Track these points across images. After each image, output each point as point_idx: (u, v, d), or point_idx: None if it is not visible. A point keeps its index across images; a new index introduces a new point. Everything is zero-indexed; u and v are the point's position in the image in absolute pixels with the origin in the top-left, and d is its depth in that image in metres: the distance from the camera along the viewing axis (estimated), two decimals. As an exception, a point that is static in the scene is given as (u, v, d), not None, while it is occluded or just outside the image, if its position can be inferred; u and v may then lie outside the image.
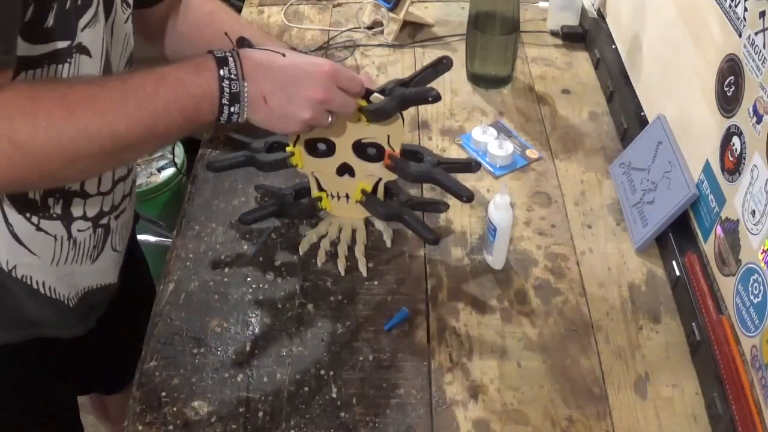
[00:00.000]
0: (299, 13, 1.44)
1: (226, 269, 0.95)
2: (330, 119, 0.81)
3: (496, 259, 0.93)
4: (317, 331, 0.88)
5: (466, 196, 0.90)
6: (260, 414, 0.80)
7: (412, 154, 0.93)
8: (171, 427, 0.79)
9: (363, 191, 0.95)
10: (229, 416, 0.79)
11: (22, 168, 0.67)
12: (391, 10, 1.33)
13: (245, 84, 0.75)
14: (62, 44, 0.71)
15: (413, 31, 1.38)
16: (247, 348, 0.86)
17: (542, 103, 1.22)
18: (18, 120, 0.65)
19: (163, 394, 0.81)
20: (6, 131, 0.65)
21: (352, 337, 0.87)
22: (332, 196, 0.98)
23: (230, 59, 0.75)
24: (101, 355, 1.11)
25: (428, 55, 1.32)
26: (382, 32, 1.37)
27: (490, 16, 1.20)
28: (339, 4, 1.46)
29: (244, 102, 0.75)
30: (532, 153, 1.11)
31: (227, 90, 0.74)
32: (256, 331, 0.88)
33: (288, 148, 0.94)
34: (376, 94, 0.86)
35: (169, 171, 2.02)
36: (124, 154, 0.75)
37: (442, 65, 0.86)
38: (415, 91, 0.85)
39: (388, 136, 0.89)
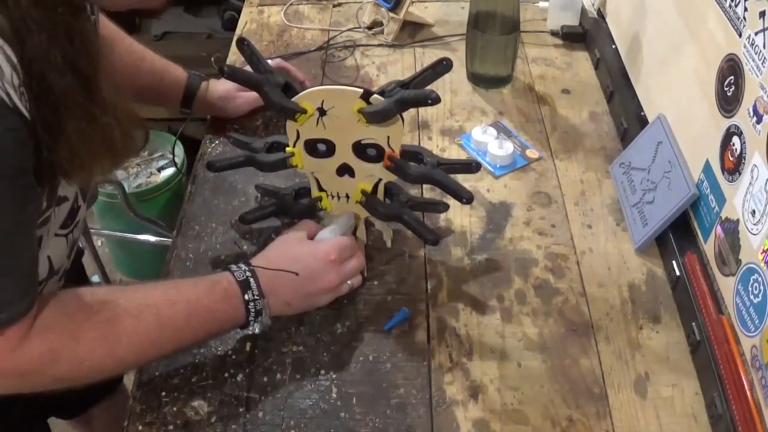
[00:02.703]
0: (299, 13, 1.44)
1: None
2: (348, 284, 0.89)
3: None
4: (317, 331, 0.88)
5: (466, 198, 0.90)
6: (260, 414, 0.80)
7: (412, 154, 0.93)
8: (171, 427, 0.79)
9: (363, 192, 0.95)
10: (229, 416, 0.79)
11: (50, 385, 0.72)
12: (391, 10, 1.33)
13: (266, 300, 0.82)
14: (49, 211, 0.74)
15: (413, 31, 1.38)
16: (247, 348, 0.86)
17: (542, 103, 1.22)
18: (63, 363, 0.70)
19: (163, 394, 0.81)
20: (51, 371, 0.70)
21: (352, 337, 0.87)
22: (332, 196, 0.98)
23: (251, 280, 0.81)
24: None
25: (428, 55, 1.32)
26: (382, 32, 1.37)
27: (490, 16, 1.20)
28: (339, 4, 1.46)
29: (266, 313, 0.83)
30: (532, 153, 1.11)
31: (252, 310, 0.81)
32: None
33: (288, 149, 0.94)
34: (375, 96, 0.86)
35: (169, 171, 2.02)
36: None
37: (441, 67, 0.86)
38: (414, 93, 0.85)
39: (388, 137, 0.89)
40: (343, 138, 0.90)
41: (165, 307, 0.76)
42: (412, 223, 0.94)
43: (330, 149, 0.92)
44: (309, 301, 0.87)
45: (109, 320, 0.73)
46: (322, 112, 0.88)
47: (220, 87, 1.13)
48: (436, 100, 0.83)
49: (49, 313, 0.70)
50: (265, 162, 0.96)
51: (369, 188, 0.95)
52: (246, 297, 0.80)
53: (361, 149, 0.91)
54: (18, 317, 0.66)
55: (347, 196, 0.97)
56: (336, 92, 0.87)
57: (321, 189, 0.97)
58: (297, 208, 0.99)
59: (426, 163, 0.92)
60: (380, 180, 0.94)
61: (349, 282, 0.89)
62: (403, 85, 0.87)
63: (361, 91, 0.86)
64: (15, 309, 0.66)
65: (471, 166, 0.95)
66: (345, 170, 0.94)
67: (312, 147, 0.93)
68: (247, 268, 0.83)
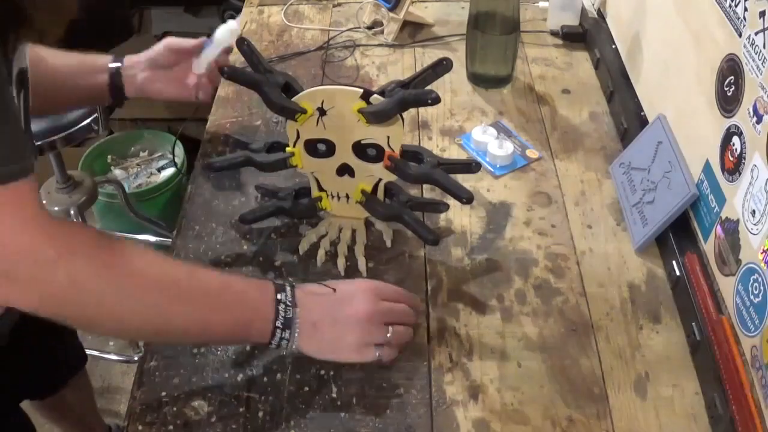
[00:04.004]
0: (299, 13, 1.45)
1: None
2: (389, 335, 0.80)
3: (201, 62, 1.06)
4: (317, 331, 0.88)
5: (466, 198, 0.90)
6: (260, 414, 0.80)
7: (412, 154, 0.93)
8: (171, 427, 0.79)
9: (363, 192, 0.95)
10: (229, 416, 0.79)
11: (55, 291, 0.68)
12: (391, 10, 1.33)
13: (297, 310, 0.78)
14: None
15: (413, 31, 1.38)
16: (247, 348, 0.86)
17: (542, 103, 1.22)
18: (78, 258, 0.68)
19: (163, 394, 0.81)
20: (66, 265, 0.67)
21: (352, 337, 0.87)
22: (332, 196, 0.98)
23: (287, 286, 0.79)
24: (21, 366, 1.11)
25: (428, 55, 1.32)
26: (382, 32, 1.37)
27: (490, 16, 1.20)
28: (339, 4, 1.46)
29: (295, 328, 0.78)
30: (532, 153, 1.11)
31: (282, 314, 0.77)
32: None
33: (288, 149, 0.94)
34: (375, 96, 0.86)
35: (169, 171, 2.02)
36: (164, 339, 0.81)
37: (441, 67, 0.86)
38: (414, 93, 0.85)
39: (388, 137, 0.89)
40: (343, 138, 0.91)
41: (200, 268, 0.77)
42: (412, 223, 0.94)
43: (330, 149, 0.92)
44: (335, 331, 0.79)
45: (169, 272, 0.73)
46: (322, 112, 0.88)
47: (139, 75, 1.08)
48: (436, 100, 0.83)
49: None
50: (265, 162, 0.96)
51: (369, 188, 0.95)
52: (279, 296, 0.77)
53: (361, 149, 0.91)
54: (19, 173, 0.63)
55: (347, 196, 0.97)
56: (336, 92, 0.87)
57: (321, 189, 0.97)
58: (297, 208, 0.99)
59: (426, 163, 0.92)
60: (380, 180, 0.94)
61: (377, 353, 0.80)
62: (403, 85, 0.87)
63: (361, 91, 0.86)
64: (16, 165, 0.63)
65: (471, 166, 0.95)
66: (345, 170, 0.94)
67: (312, 147, 0.93)
68: (288, 281, 0.81)
